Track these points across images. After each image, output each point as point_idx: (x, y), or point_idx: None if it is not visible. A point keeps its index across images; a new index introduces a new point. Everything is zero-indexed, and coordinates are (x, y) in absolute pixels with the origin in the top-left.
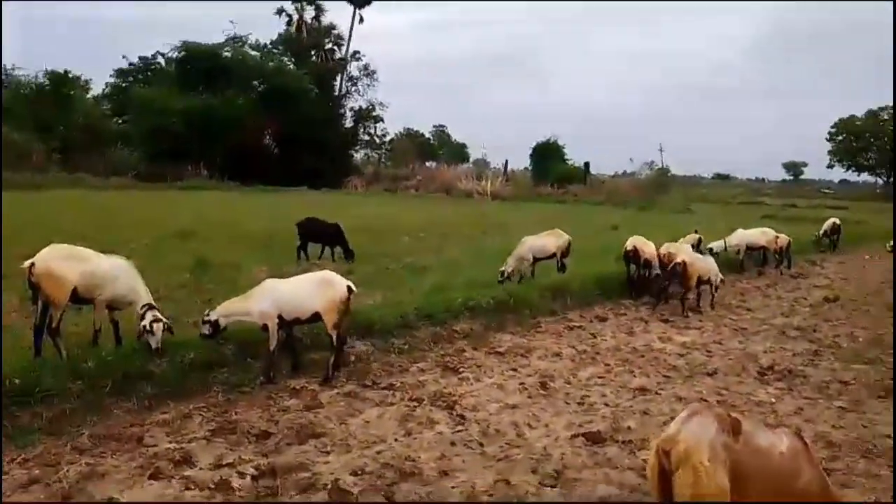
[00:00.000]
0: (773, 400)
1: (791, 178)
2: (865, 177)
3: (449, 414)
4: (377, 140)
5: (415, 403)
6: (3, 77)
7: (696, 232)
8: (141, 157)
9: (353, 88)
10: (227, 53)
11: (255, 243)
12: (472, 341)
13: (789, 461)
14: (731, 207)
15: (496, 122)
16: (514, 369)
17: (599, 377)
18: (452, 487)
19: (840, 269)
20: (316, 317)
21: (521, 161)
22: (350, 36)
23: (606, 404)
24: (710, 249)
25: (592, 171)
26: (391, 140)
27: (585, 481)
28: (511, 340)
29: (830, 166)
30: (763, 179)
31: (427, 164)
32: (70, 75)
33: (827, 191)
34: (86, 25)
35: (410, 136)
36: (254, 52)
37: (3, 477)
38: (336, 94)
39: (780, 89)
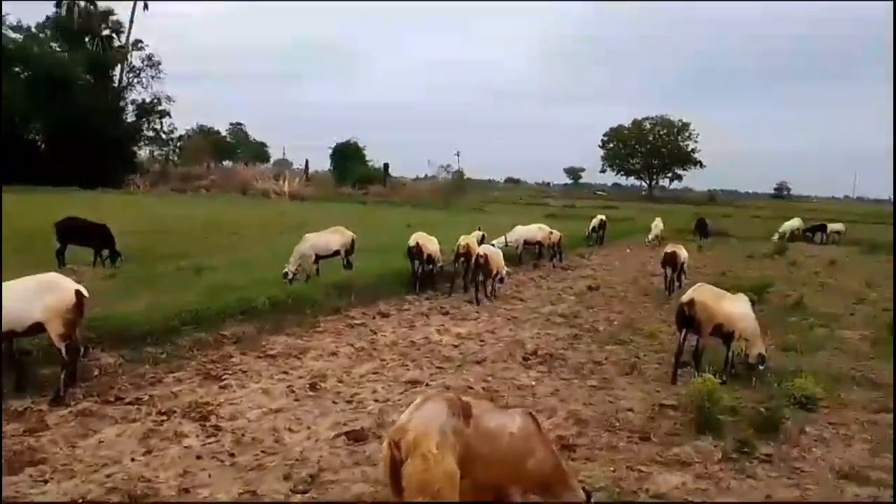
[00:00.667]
0: (534, 383)
1: (572, 181)
2: (633, 181)
3: (201, 426)
4: (164, 136)
5: (163, 417)
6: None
7: (479, 229)
8: None
9: (136, 80)
10: None
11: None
12: (243, 346)
13: (520, 441)
14: (519, 207)
15: (301, 120)
16: (285, 372)
17: (374, 373)
18: None
19: (604, 260)
20: (38, 328)
21: (325, 162)
22: (131, 23)
23: (376, 400)
24: (492, 245)
25: (393, 173)
26: (181, 137)
27: (341, 482)
28: (286, 342)
29: (603, 171)
30: (549, 183)
31: (224, 163)
32: None
33: (601, 193)
34: None
35: (204, 133)
36: (14, 35)
37: None
38: (115, 85)
39: (571, 96)
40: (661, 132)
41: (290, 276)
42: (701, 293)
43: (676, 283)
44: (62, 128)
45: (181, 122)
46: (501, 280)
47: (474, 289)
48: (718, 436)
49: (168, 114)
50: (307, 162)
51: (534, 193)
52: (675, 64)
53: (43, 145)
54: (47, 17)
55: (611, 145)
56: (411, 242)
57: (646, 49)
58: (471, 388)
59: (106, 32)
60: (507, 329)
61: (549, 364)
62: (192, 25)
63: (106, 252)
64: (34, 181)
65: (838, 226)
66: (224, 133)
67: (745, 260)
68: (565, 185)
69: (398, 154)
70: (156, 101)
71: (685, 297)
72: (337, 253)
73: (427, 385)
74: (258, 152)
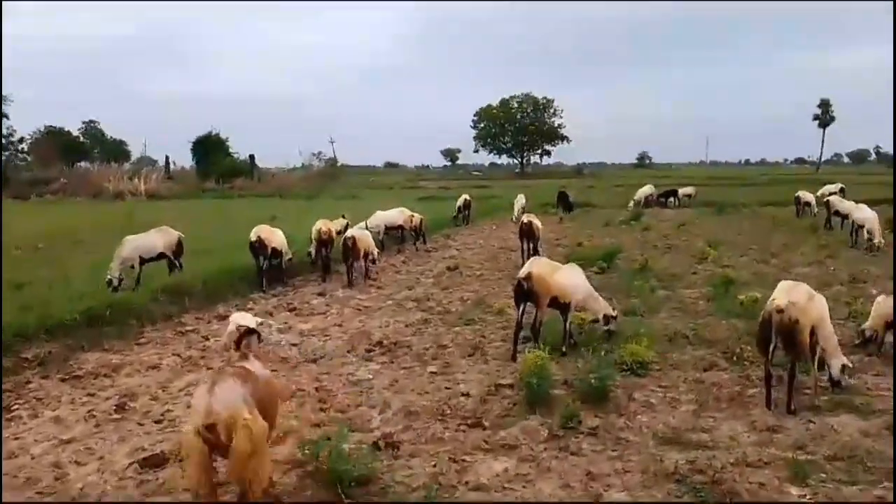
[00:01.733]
0: (371, 376)
1: (449, 163)
2: (506, 159)
3: None
4: (2, 140)
5: None
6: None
7: (343, 217)
8: None
9: None
10: None
11: None
12: (46, 368)
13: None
14: (395, 192)
15: (158, 117)
16: (91, 394)
17: (194, 385)
18: None
19: (469, 240)
20: None
21: (189, 158)
22: None
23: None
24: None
25: (262, 164)
26: (22, 139)
27: None
28: (99, 359)
29: (476, 151)
30: (427, 166)
31: (80, 164)
32: None
33: (476, 173)
34: None
35: (54, 133)
36: None
37: None
38: None
39: (437, 77)
40: (528, 109)
41: (116, 283)
42: (537, 266)
43: (533, 255)
44: None
45: (27, 124)
46: (374, 261)
47: (346, 272)
48: (549, 413)
49: (6, 115)
50: (167, 158)
51: (412, 177)
52: (540, 45)
53: None
54: None
55: (481, 125)
56: (252, 237)
57: (511, 26)
58: (302, 389)
59: None
60: (356, 320)
61: (393, 353)
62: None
63: None
64: None
65: (689, 189)
66: (76, 133)
67: (603, 229)
68: (444, 167)
69: (267, 146)
70: None
71: (522, 272)
72: (163, 255)
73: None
74: (117, 151)
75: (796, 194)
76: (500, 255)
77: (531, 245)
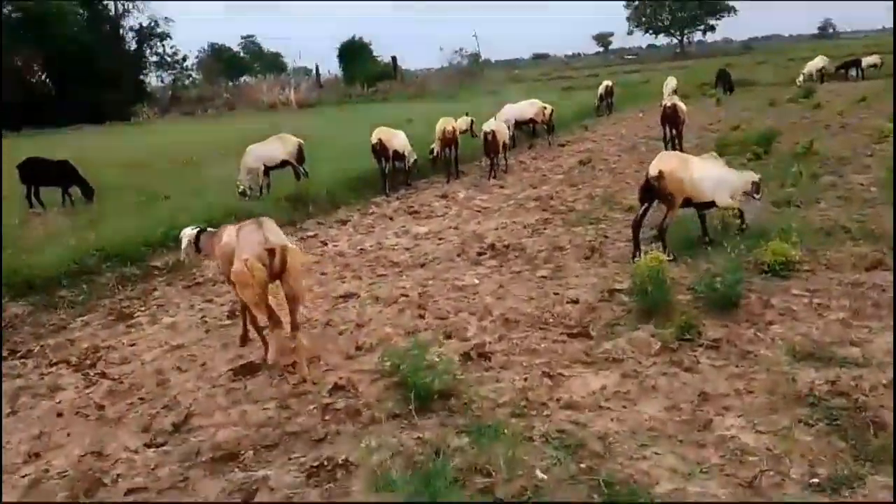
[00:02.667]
0: (477, 281)
1: (602, 49)
2: (663, 39)
3: (85, 376)
4: (169, 59)
5: (51, 370)
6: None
7: (466, 115)
8: None
9: (131, 6)
10: None
11: None
12: (172, 276)
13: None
14: (539, 84)
15: (308, 25)
16: (209, 300)
17: (308, 292)
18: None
19: (609, 130)
20: None
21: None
22: None
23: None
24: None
25: (405, 66)
26: (185, 58)
27: (206, 428)
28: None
29: (630, 33)
30: (579, 54)
31: (242, 78)
32: None
33: (630, 56)
34: None
35: (216, 51)
36: None
37: None
38: (111, 13)
39: None
40: None
41: (247, 192)
42: (668, 162)
43: (677, 143)
44: (62, 66)
45: (194, 44)
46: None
47: (490, 167)
48: (666, 321)
49: (169, 35)
50: (317, 67)
51: (560, 67)
52: None
53: (49, 85)
54: None
55: (635, 3)
56: (373, 139)
57: None
58: (405, 295)
59: None
60: (473, 222)
61: (504, 257)
62: None
63: (77, 190)
64: (46, 123)
65: (873, 59)
66: (236, 48)
67: (767, 109)
68: (596, 53)
69: (409, 47)
70: (153, 24)
71: (652, 170)
72: (287, 162)
73: (358, 297)
74: (274, 63)
75: None
76: (640, 146)
77: (675, 131)
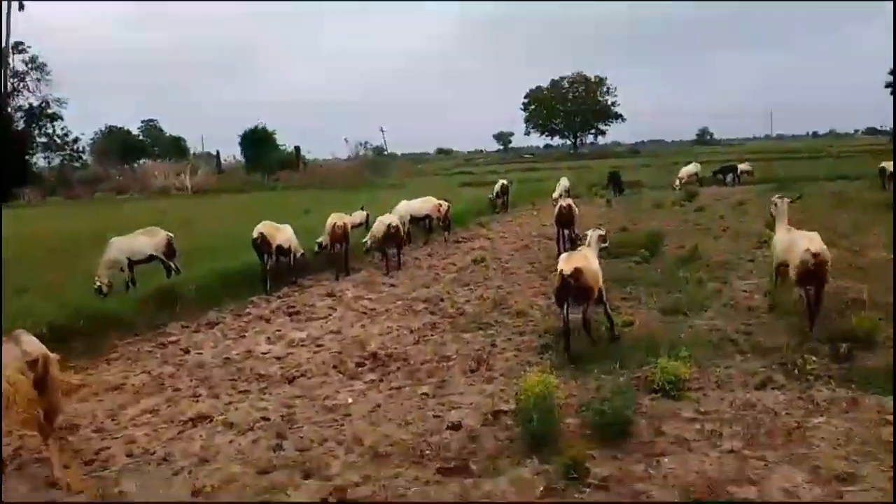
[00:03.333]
0: (351, 400)
1: (502, 147)
2: (564, 140)
3: None
4: (58, 140)
5: None
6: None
7: (362, 209)
8: None
9: (21, 85)
10: None
11: None
12: None
13: None
14: (440, 179)
15: (214, 120)
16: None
17: (151, 411)
18: None
19: (504, 227)
20: None
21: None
22: (8, 25)
23: (129, 454)
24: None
25: (310, 156)
26: (76, 140)
27: None
28: (73, 379)
29: (527, 133)
30: (481, 150)
31: (139, 162)
32: None
33: (528, 156)
34: None
35: (113, 132)
36: None
37: None
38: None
39: (483, 71)
40: (580, 89)
41: (105, 289)
42: (579, 260)
43: (569, 245)
44: None
45: (85, 128)
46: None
47: (385, 260)
48: (552, 453)
49: (60, 117)
50: (218, 152)
51: (461, 163)
52: (594, 30)
53: None
54: None
55: (532, 107)
56: (254, 234)
57: (564, 14)
58: (265, 418)
59: None
60: (357, 326)
61: (385, 368)
62: (79, 33)
63: None
64: None
65: (746, 165)
66: (136, 132)
67: (652, 211)
68: (497, 151)
69: (314, 139)
70: (44, 104)
71: (566, 268)
72: (153, 257)
73: (210, 421)
74: (175, 148)
75: (881, 165)
76: (533, 245)
77: (567, 232)
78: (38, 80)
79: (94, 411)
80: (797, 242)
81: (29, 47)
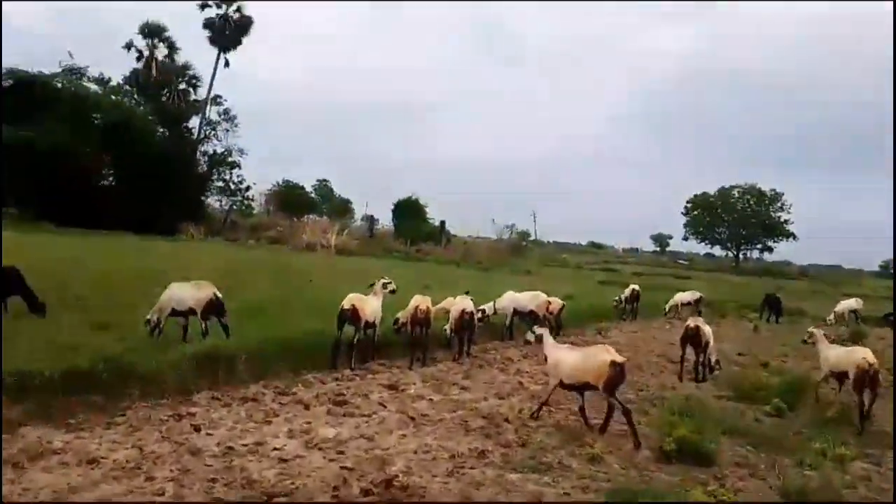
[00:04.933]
0: None
1: (658, 249)
2: (720, 250)
3: None
4: (232, 187)
5: None
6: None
7: (466, 293)
8: None
9: (212, 133)
10: (59, 84)
11: None
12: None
13: None
14: (582, 272)
15: (381, 179)
16: None
17: None
18: None
19: (625, 338)
20: None
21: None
22: (213, 79)
23: None
24: (482, 311)
25: (459, 231)
26: (248, 188)
27: None
28: (41, 438)
29: (686, 239)
30: (636, 249)
31: (307, 217)
32: None
33: (683, 262)
34: None
35: (290, 187)
36: (93, 87)
37: None
38: (192, 136)
39: (646, 162)
40: (750, 201)
41: (152, 326)
42: None
43: (701, 371)
44: (131, 176)
45: (257, 175)
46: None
47: (458, 349)
48: None
49: (238, 165)
50: (371, 217)
51: (611, 260)
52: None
53: (115, 191)
54: (132, 71)
55: (695, 212)
56: (346, 304)
57: (737, 116)
58: None
59: (182, 86)
60: (395, 435)
61: None
62: (269, 87)
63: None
64: (101, 225)
65: None
66: (309, 189)
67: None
68: (653, 252)
69: (465, 213)
70: (226, 153)
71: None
72: (193, 311)
73: None
74: (342, 208)
75: None
76: (648, 367)
77: (698, 354)
78: (227, 130)
79: (44, 487)
80: None
81: (225, 100)
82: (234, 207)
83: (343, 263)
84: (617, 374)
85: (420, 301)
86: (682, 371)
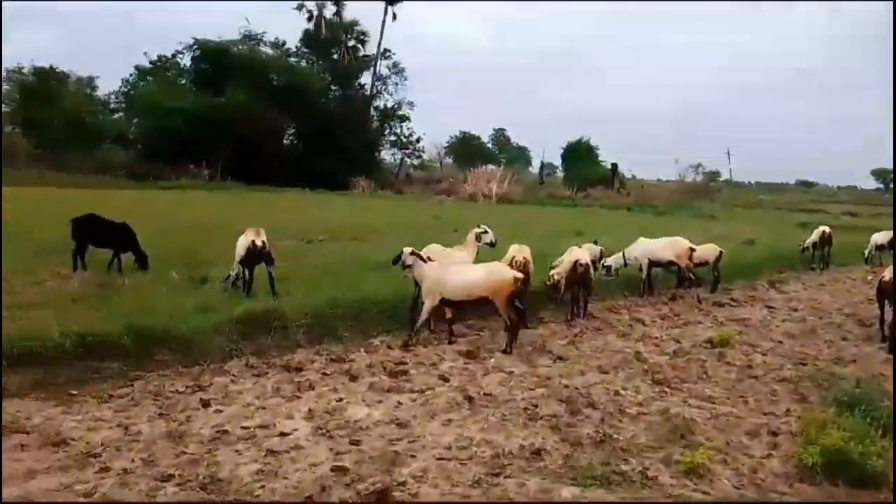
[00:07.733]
0: None
1: (882, 186)
2: None
3: None
4: (403, 140)
5: None
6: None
7: (595, 243)
8: (135, 156)
9: (383, 87)
10: (237, 50)
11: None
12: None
13: None
14: (775, 214)
15: (549, 124)
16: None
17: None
18: None
19: (806, 293)
20: None
21: None
22: (382, 33)
23: None
24: (607, 266)
25: (630, 175)
26: (419, 140)
27: None
28: (47, 413)
29: None
30: (855, 187)
31: (485, 167)
32: (57, 70)
33: None
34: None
35: (466, 138)
36: (269, 50)
37: None
38: (363, 92)
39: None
40: None
41: (231, 281)
42: None
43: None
44: (308, 134)
45: (446, 129)
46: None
47: (571, 307)
48: None
49: (408, 118)
50: (542, 164)
51: (821, 199)
52: None
53: (295, 149)
54: (303, 32)
55: None
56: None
57: None
58: None
59: (351, 43)
60: (435, 421)
61: None
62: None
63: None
64: (283, 183)
65: None
66: (485, 139)
67: None
68: (877, 189)
69: (647, 157)
70: (397, 106)
71: None
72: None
73: None
74: (519, 157)
75: None
76: (827, 330)
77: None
78: (397, 84)
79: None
80: None
81: (394, 54)
82: (406, 161)
83: (495, 213)
84: None
85: (517, 252)
86: (883, 331)
